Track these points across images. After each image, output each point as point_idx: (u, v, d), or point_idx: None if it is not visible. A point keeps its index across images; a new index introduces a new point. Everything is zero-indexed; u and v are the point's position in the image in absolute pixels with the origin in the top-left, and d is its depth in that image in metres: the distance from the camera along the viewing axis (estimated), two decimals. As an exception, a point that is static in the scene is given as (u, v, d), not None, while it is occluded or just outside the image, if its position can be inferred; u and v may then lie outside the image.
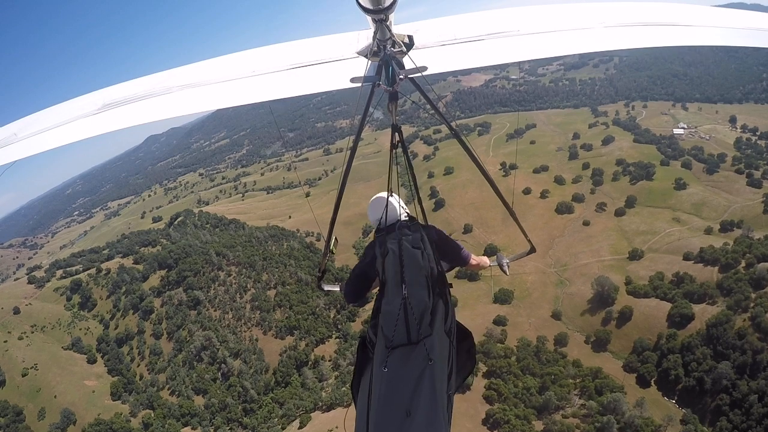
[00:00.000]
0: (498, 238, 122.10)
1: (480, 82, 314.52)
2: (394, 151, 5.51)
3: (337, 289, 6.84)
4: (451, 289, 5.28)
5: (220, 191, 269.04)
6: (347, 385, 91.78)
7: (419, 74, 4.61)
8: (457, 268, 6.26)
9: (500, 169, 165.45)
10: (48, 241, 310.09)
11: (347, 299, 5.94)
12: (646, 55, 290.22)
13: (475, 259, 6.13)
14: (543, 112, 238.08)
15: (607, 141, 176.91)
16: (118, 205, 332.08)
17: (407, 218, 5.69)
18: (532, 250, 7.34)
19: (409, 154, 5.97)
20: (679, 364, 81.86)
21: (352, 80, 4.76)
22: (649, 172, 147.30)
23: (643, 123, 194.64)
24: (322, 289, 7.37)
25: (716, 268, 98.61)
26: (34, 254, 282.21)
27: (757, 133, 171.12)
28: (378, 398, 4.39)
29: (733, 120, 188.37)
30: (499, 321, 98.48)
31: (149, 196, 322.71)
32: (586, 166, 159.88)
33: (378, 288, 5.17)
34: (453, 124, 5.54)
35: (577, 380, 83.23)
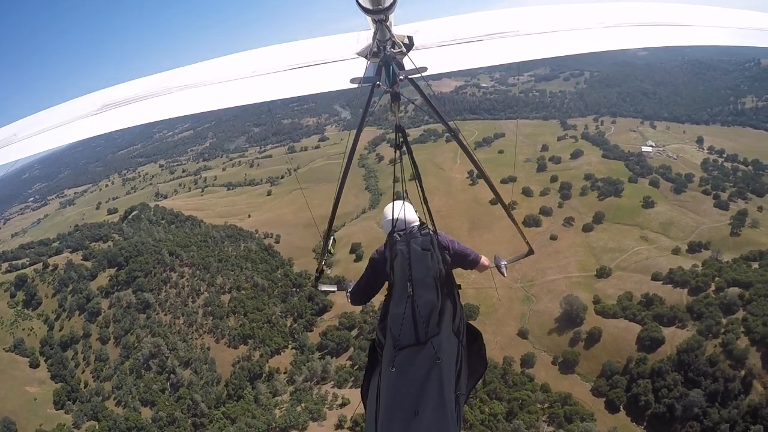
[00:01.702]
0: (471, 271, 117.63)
1: (450, 88, 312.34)
2: (398, 151, 5.50)
3: (334, 289, 7.64)
4: (459, 290, 5.61)
5: (180, 185, 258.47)
6: (301, 405, 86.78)
7: (419, 75, 4.58)
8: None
9: (467, 178, 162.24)
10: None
11: (353, 301, 6.24)
12: (617, 72, 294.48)
13: (485, 260, 6.28)
14: (512, 122, 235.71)
15: (576, 155, 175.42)
16: (75, 193, 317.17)
17: (418, 224, 5.77)
18: (530, 251, 7.42)
19: (399, 155, 5.69)
20: (649, 390, 78.65)
21: (352, 81, 4.76)
22: (617, 188, 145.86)
23: (611, 138, 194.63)
24: (319, 290, 7.44)
25: (686, 290, 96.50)
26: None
27: (724, 155, 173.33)
28: (386, 398, 4.61)
29: (700, 141, 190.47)
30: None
31: (106, 186, 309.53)
32: (554, 179, 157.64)
33: (387, 290, 5.48)
34: (452, 124, 5.57)
35: (546, 406, 79.26)
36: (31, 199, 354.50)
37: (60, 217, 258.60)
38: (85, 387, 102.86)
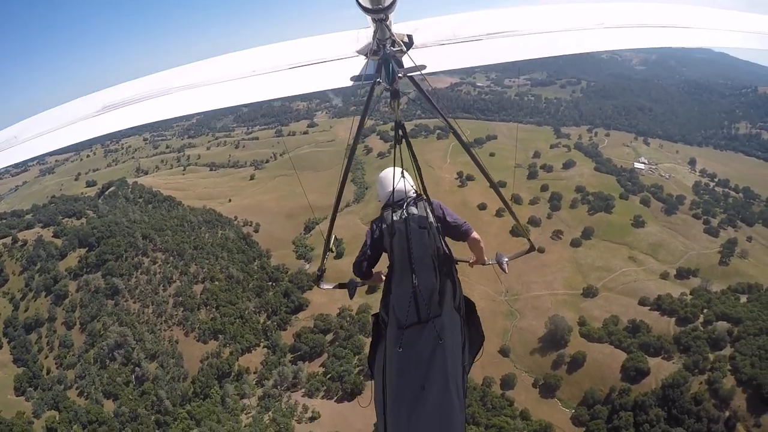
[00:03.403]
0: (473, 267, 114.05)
1: (446, 84, 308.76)
2: (398, 146, 5.44)
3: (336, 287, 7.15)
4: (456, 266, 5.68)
5: (162, 161, 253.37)
6: (269, 414, 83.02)
7: (418, 73, 4.67)
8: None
9: (456, 179, 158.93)
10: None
11: (355, 271, 6.18)
12: (614, 84, 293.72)
13: (476, 235, 6.13)
14: (505, 125, 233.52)
15: (568, 165, 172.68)
16: (56, 161, 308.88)
17: (415, 195, 5.89)
18: (532, 248, 7.20)
19: (398, 149, 5.57)
20: (630, 424, 74.91)
21: (352, 79, 4.77)
22: (608, 204, 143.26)
23: (605, 151, 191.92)
24: (321, 288, 7.33)
25: (673, 319, 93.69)
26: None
27: (715, 180, 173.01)
28: (393, 377, 4.83)
29: (692, 162, 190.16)
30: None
31: (88, 156, 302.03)
32: (544, 188, 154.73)
33: (387, 267, 5.55)
34: (453, 123, 5.47)
35: (525, 436, 76.20)
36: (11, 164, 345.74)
37: (38, 186, 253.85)
38: (47, 374, 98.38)
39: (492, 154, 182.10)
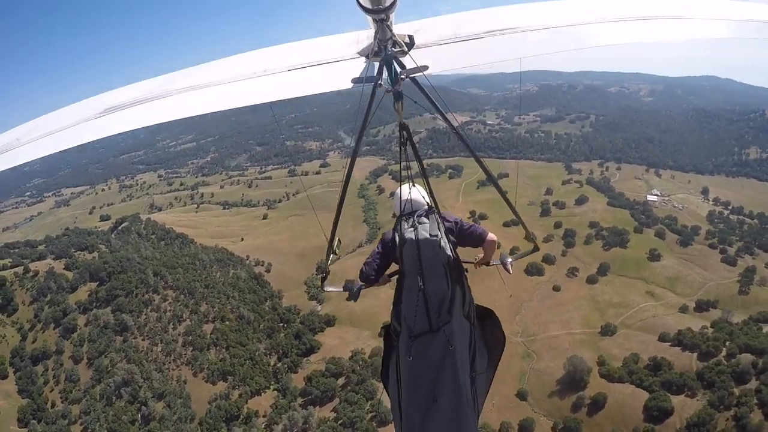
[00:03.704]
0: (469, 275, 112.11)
1: (456, 124, 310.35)
2: (403, 148, 5.60)
3: (340, 290, 7.23)
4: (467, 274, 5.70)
5: (176, 198, 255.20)
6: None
7: (420, 73, 4.65)
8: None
9: (470, 217, 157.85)
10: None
11: (362, 278, 6.20)
12: (622, 117, 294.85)
13: (492, 236, 6.22)
14: (516, 162, 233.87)
15: (580, 201, 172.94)
16: (72, 193, 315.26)
17: (426, 207, 6.02)
18: (536, 248, 7.55)
19: (405, 152, 5.84)
20: (656, 466, 73.12)
21: (354, 81, 4.77)
22: (623, 238, 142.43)
23: (617, 185, 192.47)
24: (325, 290, 7.37)
25: (695, 354, 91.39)
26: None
27: (729, 207, 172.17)
28: (405, 386, 4.90)
29: (705, 191, 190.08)
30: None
31: (103, 190, 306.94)
32: (558, 225, 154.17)
33: (397, 276, 5.65)
34: (455, 123, 5.75)
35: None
36: (28, 193, 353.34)
37: (53, 218, 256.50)
38: (52, 407, 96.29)
39: (505, 192, 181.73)
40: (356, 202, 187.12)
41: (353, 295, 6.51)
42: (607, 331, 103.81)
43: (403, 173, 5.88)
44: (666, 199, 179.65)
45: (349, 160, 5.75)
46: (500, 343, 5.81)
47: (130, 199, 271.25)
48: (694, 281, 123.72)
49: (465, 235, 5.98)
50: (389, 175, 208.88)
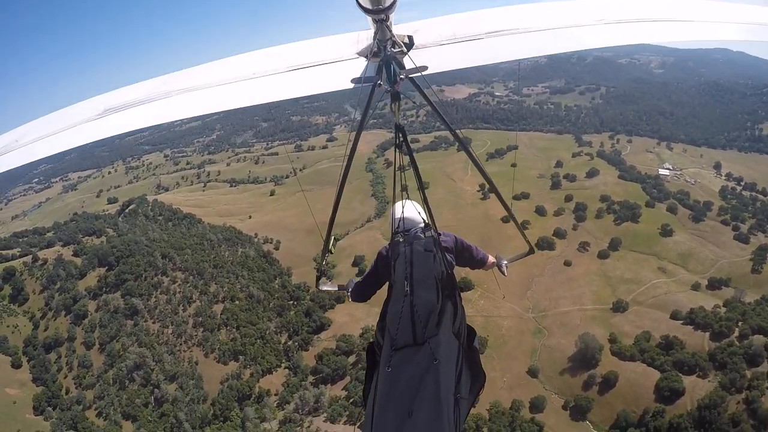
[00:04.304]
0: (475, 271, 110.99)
1: (464, 95, 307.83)
2: (398, 150, 5.54)
3: (335, 288, 7.21)
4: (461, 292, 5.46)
5: (182, 177, 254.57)
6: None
7: (419, 74, 4.63)
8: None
9: (479, 191, 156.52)
10: (1, 209, 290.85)
11: (352, 296, 6.38)
12: (633, 88, 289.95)
13: (492, 259, 6.48)
14: (525, 134, 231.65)
15: (591, 174, 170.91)
16: (78, 177, 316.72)
17: (423, 225, 5.84)
18: (531, 251, 7.45)
19: (400, 155, 5.70)
20: (666, 447, 72.68)
21: (353, 81, 4.76)
22: (634, 213, 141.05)
23: (628, 158, 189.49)
24: (320, 289, 7.37)
25: (707, 334, 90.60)
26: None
27: (742, 183, 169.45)
28: (380, 398, 4.48)
29: (717, 166, 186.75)
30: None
31: (110, 172, 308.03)
32: (568, 198, 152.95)
33: (387, 291, 5.41)
34: (454, 127, 5.84)
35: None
36: (35, 180, 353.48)
37: (60, 203, 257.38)
38: (66, 393, 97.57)
39: (514, 165, 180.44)
40: (364, 176, 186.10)
41: (350, 297, 6.52)
42: (619, 307, 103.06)
43: (401, 178, 5.75)
44: (678, 173, 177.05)
45: (346, 160, 5.73)
46: (482, 373, 5.34)
47: (136, 181, 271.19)
48: (706, 258, 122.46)
49: (464, 256, 6.04)
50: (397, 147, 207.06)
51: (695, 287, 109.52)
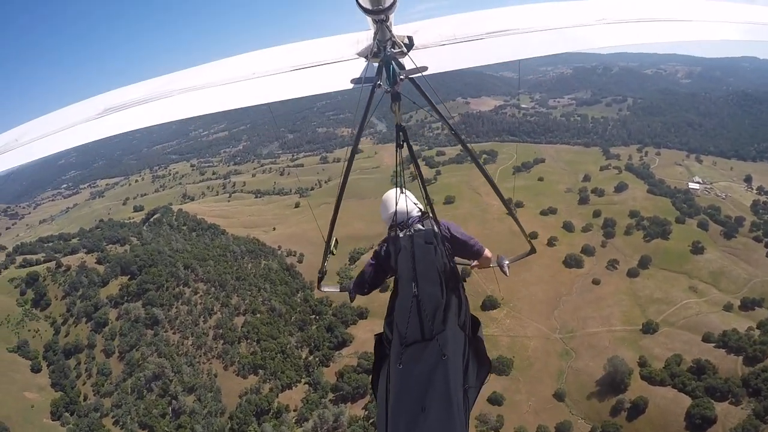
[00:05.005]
0: (502, 284, 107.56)
1: (489, 107, 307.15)
2: (399, 150, 5.44)
3: (337, 290, 7.50)
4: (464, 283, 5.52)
5: (208, 187, 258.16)
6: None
7: (419, 74, 4.63)
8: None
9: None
10: (29, 212, 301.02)
11: (354, 289, 6.41)
12: (660, 99, 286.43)
13: (489, 253, 6.36)
14: (552, 147, 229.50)
15: (620, 188, 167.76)
16: (106, 185, 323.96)
17: (419, 214, 5.93)
18: (533, 250, 7.34)
19: (401, 154, 5.57)
20: (697, 478, 70.47)
21: (353, 81, 4.78)
22: (665, 229, 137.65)
23: (657, 171, 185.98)
24: (322, 290, 7.48)
25: (740, 358, 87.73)
26: (13, 224, 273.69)
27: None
28: (393, 395, 4.61)
29: (748, 179, 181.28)
30: (495, 399, 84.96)
31: (137, 180, 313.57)
32: (597, 214, 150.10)
33: (392, 285, 5.50)
34: (452, 123, 5.57)
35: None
36: (64, 186, 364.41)
37: (87, 209, 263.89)
38: (84, 400, 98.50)
39: (540, 179, 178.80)
40: (390, 188, 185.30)
41: (351, 297, 6.60)
42: (649, 329, 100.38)
43: (405, 175, 5.80)
44: (708, 187, 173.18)
45: (346, 162, 5.75)
46: (487, 361, 5.42)
47: (163, 189, 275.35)
48: (738, 277, 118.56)
49: (459, 246, 6.00)
50: (422, 160, 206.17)
51: (727, 308, 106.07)
